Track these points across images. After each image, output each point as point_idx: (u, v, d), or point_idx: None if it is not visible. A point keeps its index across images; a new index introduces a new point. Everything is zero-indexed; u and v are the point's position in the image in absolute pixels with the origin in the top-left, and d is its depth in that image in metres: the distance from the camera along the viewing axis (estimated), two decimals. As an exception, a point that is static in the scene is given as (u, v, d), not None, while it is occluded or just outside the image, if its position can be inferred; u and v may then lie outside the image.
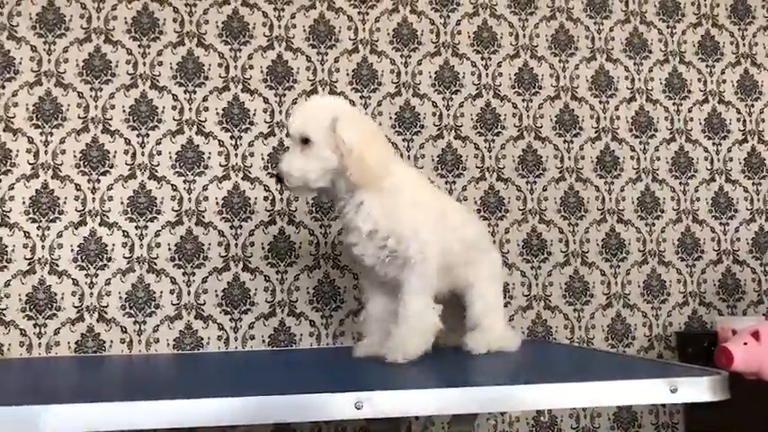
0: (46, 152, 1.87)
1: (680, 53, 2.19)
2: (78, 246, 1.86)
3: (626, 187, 2.11)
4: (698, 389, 1.10)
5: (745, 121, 2.18)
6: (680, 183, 2.14)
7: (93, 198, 1.88)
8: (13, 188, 1.84)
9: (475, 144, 2.06)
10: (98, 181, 1.88)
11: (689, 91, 2.18)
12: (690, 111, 2.17)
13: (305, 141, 1.38)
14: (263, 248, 1.93)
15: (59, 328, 1.83)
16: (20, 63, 1.89)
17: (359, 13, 2.06)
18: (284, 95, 2.00)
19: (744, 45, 2.22)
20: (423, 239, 1.40)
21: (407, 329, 1.37)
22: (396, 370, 1.29)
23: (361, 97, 2.03)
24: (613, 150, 2.12)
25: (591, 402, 1.11)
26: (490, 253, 1.63)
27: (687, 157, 2.15)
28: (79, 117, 1.90)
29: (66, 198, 1.86)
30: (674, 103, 2.17)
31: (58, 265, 1.84)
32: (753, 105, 2.19)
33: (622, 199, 2.10)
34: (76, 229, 1.86)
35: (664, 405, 2.03)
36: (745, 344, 1.49)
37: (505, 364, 1.42)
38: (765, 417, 1.63)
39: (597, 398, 1.11)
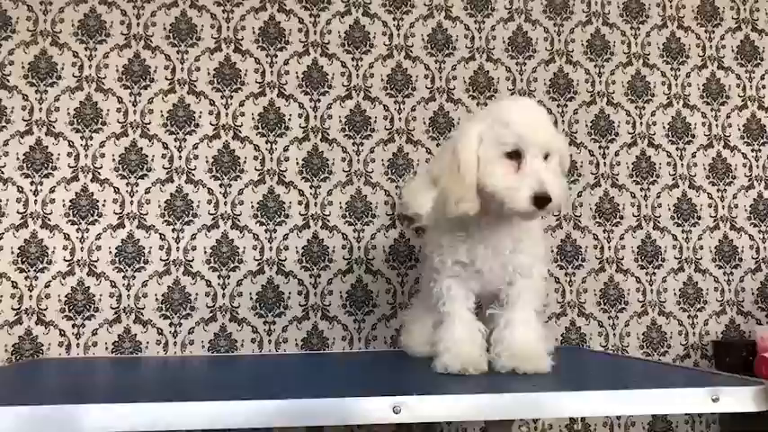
0: (86, 156, 1.91)
1: (718, 58, 2.16)
2: (116, 248, 1.89)
3: (662, 193, 2.08)
4: (740, 399, 1.08)
5: (785, 126, 2.15)
6: (717, 189, 2.10)
7: (132, 201, 1.91)
8: (53, 191, 1.88)
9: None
10: (136, 185, 1.92)
11: (727, 96, 2.14)
12: (728, 117, 2.14)
13: (546, 156, 1.22)
14: (296, 252, 1.94)
15: (97, 329, 1.86)
16: (62, 69, 1.93)
17: (393, 18, 2.07)
18: (319, 101, 2.01)
19: (784, 50, 2.18)
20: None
21: (537, 343, 1.30)
22: (429, 374, 1.29)
23: (395, 102, 2.03)
24: (650, 156, 2.09)
25: (631, 411, 1.10)
26: None
27: (725, 163, 2.12)
28: (118, 122, 1.93)
29: (105, 201, 1.90)
30: (711, 109, 2.13)
31: (96, 267, 1.88)
32: (793, 111, 2.15)
33: (658, 205, 2.08)
34: (115, 231, 1.89)
35: (700, 415, 2.00)
36: (787, 354, 1.46)
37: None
38: (807, 429, 1.60)
39: (637, 406, 1.10)
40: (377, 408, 1.00)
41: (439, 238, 1.35)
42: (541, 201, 1.16)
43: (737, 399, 1.08)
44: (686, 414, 1.98)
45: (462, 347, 1.31)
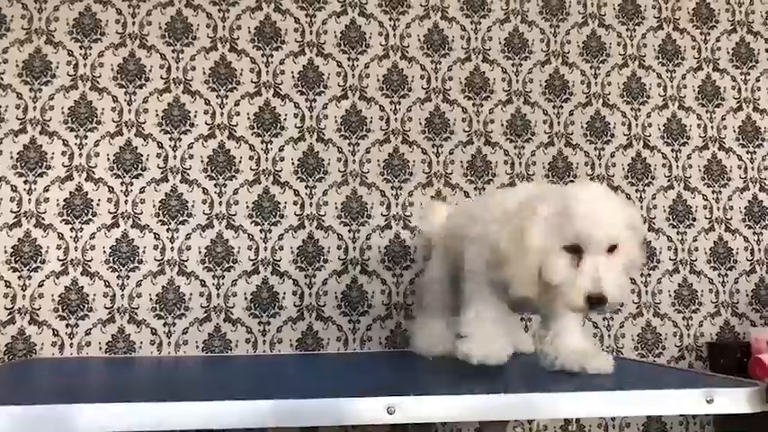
0: (80, 155, 1.90)
1: (714, 60, 2.16)
2: (110, 248, 1.88)
3: (657, 195, 2.09)
4: (735, 400, 1.08)
5: (779, 129, 2.15)
6: (712, 191, 2.11)
7: (126, 201, 1.90)
8: (48, 190, 1.87)
9: (505, 150, 2.05)
10: (131, 184, 1.91)
11: (722, 98, 2.15)
12: (723, 119, 2.14)
13: (613, 248, 1.19)
14: (291, 253, 1.94)
15: (91, 329, 1.85)
16: (56, 67, 1.93)
17: (390, 19, 2.06)
18: (315, 101, 2.01)
19: (779, 52, 2.19)
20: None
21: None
22: (424, 376, 1.29)
23: (390, 102, 2.03)
24: (645, 158, 2.10)
25: (626, 412, 1.10)
26: None
27: (720, 165, 2.12)
28: (113, 121, 1.93)
29: (99, 200, 1.89)
30: (707, 111, 2.14)
31: (90, 267, 1.87)
32: (788, 113, 2.16)
33: (654, 207, 2.08)
34: (109, 231, 1.89)
35: (694, 416, 2.00)
36: (781, 355, 1.46)
37: (534, 371, 1.41)
38: (801, 430, 1.60)
39: (632, 407, 1.10)
40: (371, 408, 0.99)
41: (487, 274, 1.34)
42: (596, 300, 1.14)
43: (732, 400, 1.08)
44: (681, 415, 1.98)
45: (486, 337, 1.31)
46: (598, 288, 1.14)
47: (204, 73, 1.98)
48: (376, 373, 1.42)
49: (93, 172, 1.90)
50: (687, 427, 2.00)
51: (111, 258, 1.88)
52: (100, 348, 1.85)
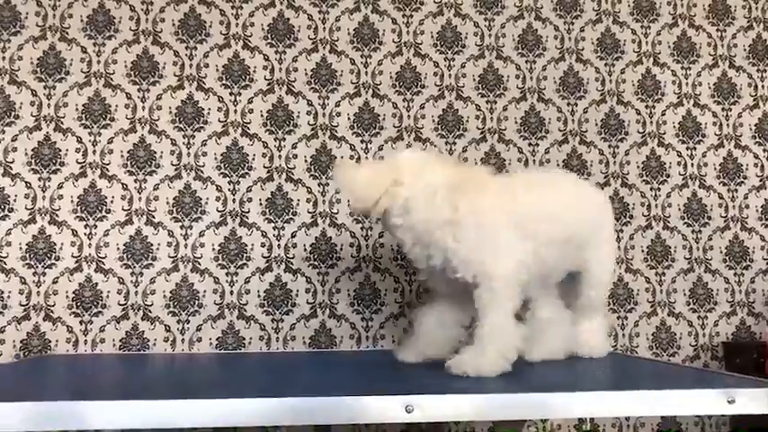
0: (94, 152, 1.90)
1: (730, 57, 2.14)
2: (124, 245, 1.88)
3: (672, 193, 2.07)
4: (757, 400, 1.07)
5: (796, 126, 2.13)
6: (728, 189, 2.09)
7: (140, 198, 1.90)
8: (61, 187, 1.88)
9: (517, 147, 2.04)
10: (144, 181, 1.91)
11: (738, 96, 2.13)
12: (740, 116, 2.12)
13: None
14: (305, 250, 1.94)
15: (105, 326, 1.85)
16: (70, 64, 1.93)
17: (403, 16, 2.06)
18: (328, 98, 2.00)
19: (796, 49, 2.16)
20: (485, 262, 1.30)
21: (481, 348, 1.28)
22: (441, 375, 1.28)
23: (404, 100, 2.02)
24: (660, 156, 2.08)
25: (644, 411, 1.09)
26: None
27: (736, 163, 2.10)
28: (127, 118, 1.93)
29: (113, 197, 1.89)
30: (722, 109, 2.12)
31: (104, 264, 1.87)
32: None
33: (668, 205, 2.06)
34: (123, 228, 1.89)
35: (710, 417, 1.98)
36: (799, 355, 1.45)
37: (549, 371, 1.40)
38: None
39: (651, 407, 1.09)
40: (389, 407, 0.99)
41: None
42: None
43: (755, 401, 1.07)
44: (696, 416, 1.96)
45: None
46: None
47: (217, 70, 1.98)
48: (390, 371, 1.41)
49: (107, 169, 1.90)
50: (703, 427, 1.98)
51: (124, 255, 1.88)
52: (114, 345, 1.85)
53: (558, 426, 1.94)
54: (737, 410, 1.06)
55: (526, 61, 2.08)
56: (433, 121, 2.02)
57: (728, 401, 1.06)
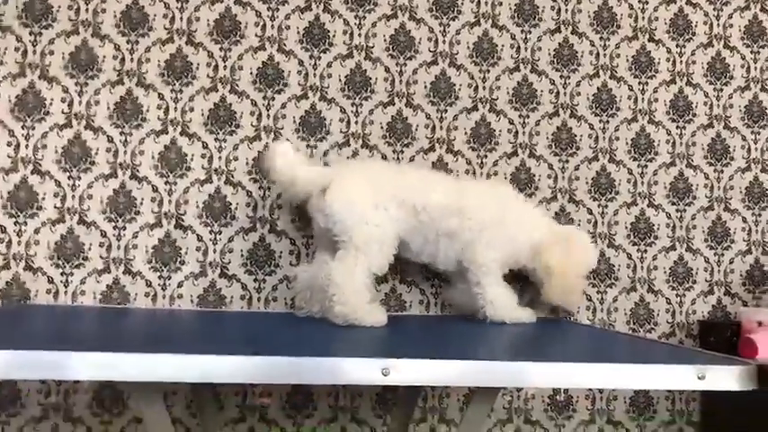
0: (125, 152, 1.88)
1: (725, 37, 2.14)
2: (108, 198, 1.87)
3: (659, 171, 2.08)
4: (727, 378, 1.09)
5: (786, 110, 2.14)
6: (714, 170, 2.10)
7: (125, 151, 1.89)
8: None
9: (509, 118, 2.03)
10: (130, 134, 1.89)
11: (731, 77, 2.13)
12: (730, 97, 2.12)
13: None
14: (290, 212, 1.93)
15: (86, 278, 1.85)
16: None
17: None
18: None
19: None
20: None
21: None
22: (420, 339, 1.29)
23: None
24: (649, 134, 2.08)
25: (617, 384, 1.11)
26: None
27: (723, 144, 2.11)
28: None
29: (98, 149, 1.87)
30: (714, 89, 2.12)
31: (87, 216, 1.86)
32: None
33: (654, 183, 2.07)
34: (107, 180, 1.87)
35: (681, 392, 2.02)
36: (772, 336, 1.48)
37: (529, 340, 1.42)
38: (785, 410, 1.63)
39: (624, 381, 1.11)
40: (366, 368, 1.00)
41: None
42: None
43: (724, 377, 1.09)
44: (668, 390, 2.00)
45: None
46: None
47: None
48: (370, 333, 1.42)
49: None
50: (673, 402, 2.02)
51: (107, 209, 1.87)
52: (94, 298, 1.85)
53: (533, 395, 1.96)
54: (707, 386, 1.08)
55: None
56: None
57: (699, 377, 1.08)
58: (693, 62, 2.12)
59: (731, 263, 2.08)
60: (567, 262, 1.73)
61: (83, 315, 1.64)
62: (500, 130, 2.03)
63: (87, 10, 1.90)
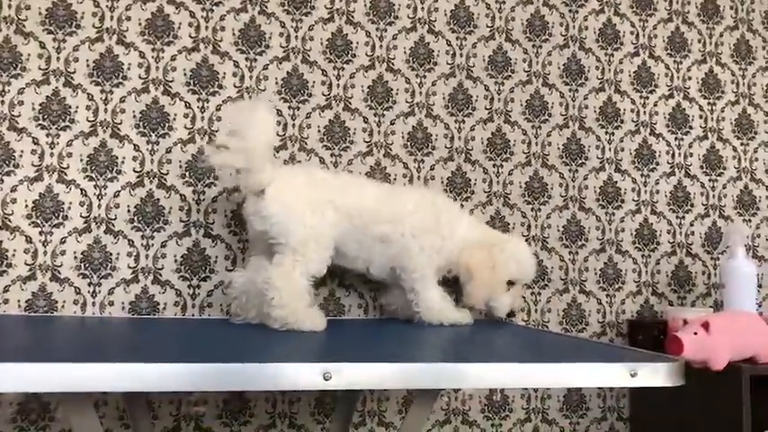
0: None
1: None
2: (33, 202, 1.79)
3: (589, 176, 2.14)
4: (657, 374, 1.13)
5: (707, 118, 2.24)
6: (641, 174, 2.18)
7: (52, 153, 1.81)
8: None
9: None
10: (57, 136, 1.82)
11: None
12: (656, 105, 2.21)
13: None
14: (225, 216, 1.90)
15: (9, 286, 1.77)
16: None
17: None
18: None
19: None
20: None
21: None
22: (358, 344, 1.29)
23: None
24: (579, 139, 2.15)
25: (552, 383, 1.13)
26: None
27: (650, 149, 2.19)
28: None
29: (22, 151, 1.80)
30: (640, 97, 2.20)
31: (10, 221, 1.78)
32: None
33: (585, 188, 2.14)
34: (32, 184, 1.80)
35: (611, 389, 2.09)
36: (695, 334, 1.53)
37: (466, 342, 1.44)
38: (706, 402, 1.70)
39: (558, 379, 1.13)
40: (307, 373, 0.99)
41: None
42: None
43: (654, 374, 1.12)
44: (599, 388, 2.06)
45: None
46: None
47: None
48: (310, 339, 1.41)
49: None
50: (604, 399, 2.09)
51: (33, 213, 1.79)
52: (19, 306, 1.77)
53: (470, 396, 1.99)
54: (640, 383, 1.12)
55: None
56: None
57: (631, 374, 1.11)
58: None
59: (657, 264, 2.17)
60: (486, 265, 1.73)
61: (5, 324, 1.56)
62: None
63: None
